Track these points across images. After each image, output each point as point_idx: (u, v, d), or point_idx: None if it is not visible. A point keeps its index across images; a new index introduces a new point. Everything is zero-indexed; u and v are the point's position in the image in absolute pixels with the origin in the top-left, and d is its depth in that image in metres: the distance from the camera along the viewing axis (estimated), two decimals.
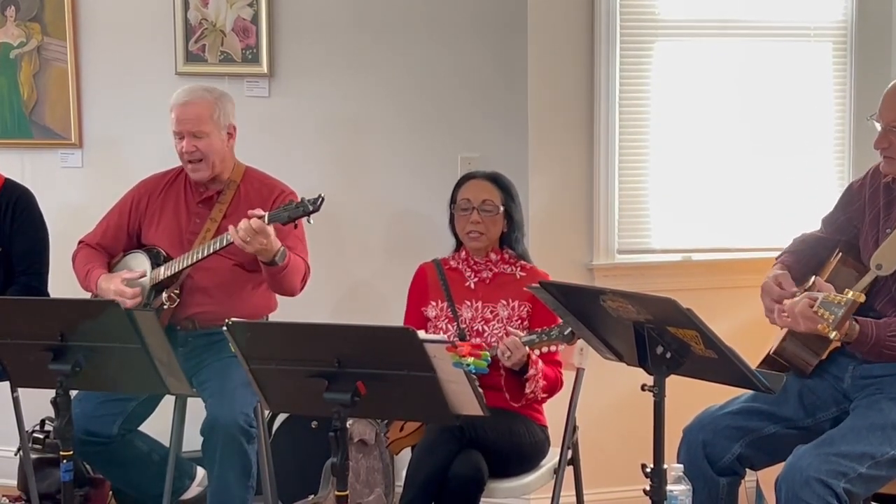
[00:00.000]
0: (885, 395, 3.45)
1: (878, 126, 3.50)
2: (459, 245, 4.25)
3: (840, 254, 3.67)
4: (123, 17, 5.11)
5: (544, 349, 3.91)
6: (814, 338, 3.41)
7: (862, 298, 3.20)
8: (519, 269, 4.17)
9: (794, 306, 3.31)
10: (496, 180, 4.20)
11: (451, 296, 4.16)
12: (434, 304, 4.18)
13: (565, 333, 3.81)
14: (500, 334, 4.05)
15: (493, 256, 4.19)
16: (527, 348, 3.88)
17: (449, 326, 4.12)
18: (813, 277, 3.56)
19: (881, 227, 3.58)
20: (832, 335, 3.19)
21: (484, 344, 3.99)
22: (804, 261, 3.77)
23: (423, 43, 4.88)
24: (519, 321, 4.08)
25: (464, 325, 4.10)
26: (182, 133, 4.28)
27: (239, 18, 4.97)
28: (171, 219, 4.40)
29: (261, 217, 3.97)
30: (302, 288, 4.28)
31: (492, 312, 4.11)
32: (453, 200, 4.20)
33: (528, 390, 3.93)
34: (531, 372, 3.91)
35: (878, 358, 3.43)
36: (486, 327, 4.10)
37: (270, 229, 3.99)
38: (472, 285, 4.17)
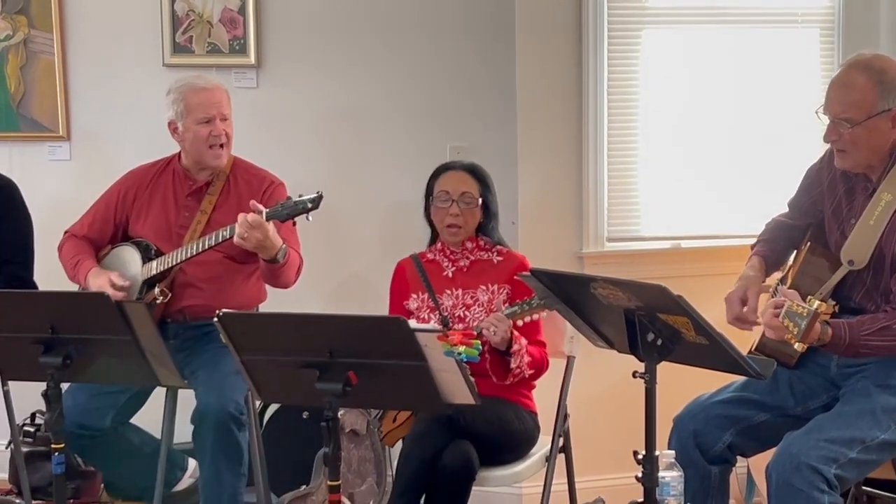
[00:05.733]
0: (872, 380, 3.45)
1: (826, 119, 3.49)
2: (435, 237, 4.25)
3: (809, 242, 3.67)
4: (110, 8, 5.10)
5: (527, 318, 3.91)
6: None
7: (825, 308, 3.21)
8: (496, 254, 4.17)
9: (744, 326, 3.33)
10: (474, 171, 4.18)
11: (430, 286, 4.16)
12: (415, 296, 4.18)
13: (545, 301, 3.78)
14: (481, 318, 4.04)
15: (468, 245, 4.19)
16: (510, 321, 3.88)
17: (431, 316, 4.11)
18: (778, 283, 3.58)
19: (845, 217, 3.58)
20: (798, 346, 3.19)
21: (469, 329, 4.00)
22: (779, 247, 3.79)
23: (411, 33, 4.88)
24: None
25: (446, 314, 4.10)
26: (214, 116, 4.27)
27: (226, 9, 4.96)
28: (159, 212, 4.38)
29: (259, 212, 3.96)
30: (295, 280, 4.28)
31: (472, 298, 4.11)
32: (430, 192, 4.19)
33: (513, 365, 3.93)
34: (515, 347, 3.91)
35: (855, 357, 3.42)
36: (467, 313, 4.10)
37: (270, 226, 3.98)
38: (451, 274, 4.17)
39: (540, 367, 4.06)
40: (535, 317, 3.94)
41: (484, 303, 4.10)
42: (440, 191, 4.16)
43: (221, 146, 4.30)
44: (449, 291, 4.15)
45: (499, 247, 4.20)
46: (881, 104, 3.40)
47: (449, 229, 4.14)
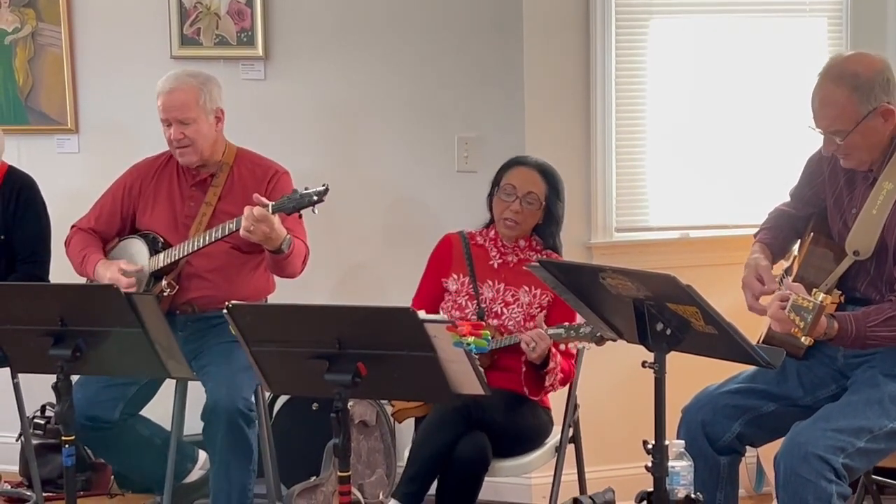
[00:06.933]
0: (880, 369, 3.45)
1: (820, 133, 3.47)
2: (490, 222, 4.22)
3: (812, 233, 3.67)
4: (117, 1, 5.11)
5: (570, 345, 3.90)
6: None
7: (831, 300, 3.20)
8: (545, 257, 4.13)
9: (766, 309, 3.32)
10: (545, 173, 4.15)
11: (474, 272, 4.14)
12: (455, 277, 4.16)
13: (597, 335, 3.77)
14: (518, 319, 4.04)
15: (521, 243, 4.17)
16: (550, 341, 3.86)
17: (468, 304, 4.10)
18: (783, 275, 3.57)
19: (846, 207, 3.57)
20: (805, 340, 3.19)
21: (503, 329, 3.99)
22: (782, 236, 3.78)
23: (418, 23, 4.87)
24: (539, 309, 4.07)
25: (483, 305, 4.09)
26: (169, 120, 4.28)
27: (233, 1, 4.96)
28: (165, 203, 4.39)
29: (265, 206, 3.96)
30: (302, 270, 4.28)
31: (513, 297, 4.09)
32: (497, 182, 4.16)
33: (547, 383, 3.93)
34: (551, 365, 3.90)
35: (862, 348, 3.42)
36: (505, 310, 4.08)
37: (276, 219, 3.99)
38: (496, 265, 4.15)
39: (567, 380, 4.05)
40: (580, 345, 3.92)
41: (524, 304, 4.08)
42: (507, 184, 4.12)
43: (183, 147, 4.29)
44: (491, 283, 4.12)
45: (549, 251, 4.16)
46: (864, 108, 3.38)
47: (505, 222, 4.11)
